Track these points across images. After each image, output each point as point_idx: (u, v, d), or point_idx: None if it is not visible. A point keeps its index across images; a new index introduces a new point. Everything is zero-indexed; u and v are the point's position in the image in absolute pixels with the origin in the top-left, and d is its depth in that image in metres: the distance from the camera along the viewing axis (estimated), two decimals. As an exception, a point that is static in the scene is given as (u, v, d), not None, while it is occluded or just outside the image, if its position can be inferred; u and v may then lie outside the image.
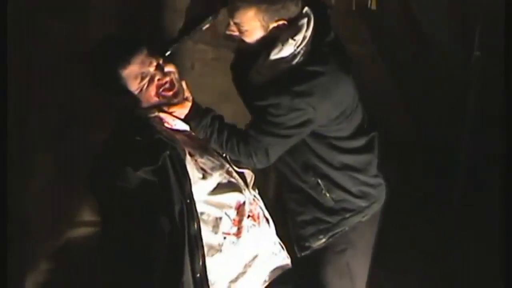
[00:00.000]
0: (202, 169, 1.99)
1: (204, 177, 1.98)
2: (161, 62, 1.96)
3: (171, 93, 1.97)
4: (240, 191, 2.05)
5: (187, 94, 2.02)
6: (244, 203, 2.05)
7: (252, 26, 1.95)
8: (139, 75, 1.93)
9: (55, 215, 2.50)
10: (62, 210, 2.52)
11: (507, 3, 2.33)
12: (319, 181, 2.14)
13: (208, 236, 1.95)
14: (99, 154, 1.98)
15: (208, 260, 1.94)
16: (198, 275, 1.88)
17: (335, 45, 2.04)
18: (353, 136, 2.13)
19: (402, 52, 3.57)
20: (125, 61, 1.91)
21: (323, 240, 2.20)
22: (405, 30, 3.41)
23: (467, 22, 3.19)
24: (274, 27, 1.96)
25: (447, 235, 3.41)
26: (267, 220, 2.16)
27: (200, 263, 1.89)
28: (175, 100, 1.98)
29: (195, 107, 2.02)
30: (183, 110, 2.00)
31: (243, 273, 2.04)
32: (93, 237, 2.51)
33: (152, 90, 1.95)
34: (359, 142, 2.15)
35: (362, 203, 2.20)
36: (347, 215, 2.19)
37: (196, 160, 1.99)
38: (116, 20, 2.39)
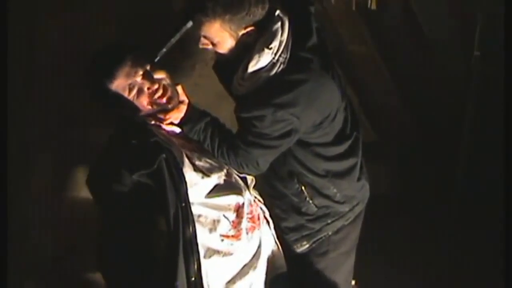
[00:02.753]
0: (200, 171, 1.98)
1: (202, 179, 1.97)
2: (148, 69, 1.93)
3: (164, 99, 1.95)
4: (240, 193, 2.04)
5: (182, 97, 2.00)
6: (243, 204, 2.04)
7: (221, 36, 1.93)
8: (127, 87, 1.91)
9: (55, 215, 2.50)
10: (62, 210, 2.52)
11: (507, 3, 2.33)
12: (303, 188, 2.13)
13: (205, 238, 1.95)
14: (96, 157, 1.98)
15: (205, 262, 1.93)
16: (193, 278, 1.88)
17: (318, 49, 2.00)
18: (336, 141, 2.11)
19: (402, 52, 3.57)
20: (110, 75, 1.90)
21: (307, 246, 2.21)
22: (405, 30, 3.41)
23: (467, 22, 3.19)
24: (244, 34, 1.93)
25: (447, 235, 3.41)
26: (268, 221, 2.16)
27: (195, 266, 1.88)
28: (170, 106, 1.96)
29: (190, 111, 2.01)
30: (179, 114, 1.99)
31: (242, 274, 2.04)
32: (93, 237, 2.51)
33: (144, 99, 1.93)
34: (342, 148, 2.13)
35: (345, 207, 2.20)
36: (330, 221, 2.19)
37: (194, 163, 1.98)
38: (116, 20, 2.38)
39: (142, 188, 1.86)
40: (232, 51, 1.96)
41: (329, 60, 2.05)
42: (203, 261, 1.93)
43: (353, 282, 2.46)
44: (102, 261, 2.01)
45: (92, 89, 1.97)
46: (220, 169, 2.03)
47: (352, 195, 2.21)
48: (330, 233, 2.21)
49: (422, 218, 3.49)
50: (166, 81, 1.96)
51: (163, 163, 1.87)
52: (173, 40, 2.00)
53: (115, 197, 1.87)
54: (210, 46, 1.97)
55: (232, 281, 2.03)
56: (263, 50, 1.91)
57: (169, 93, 1.95)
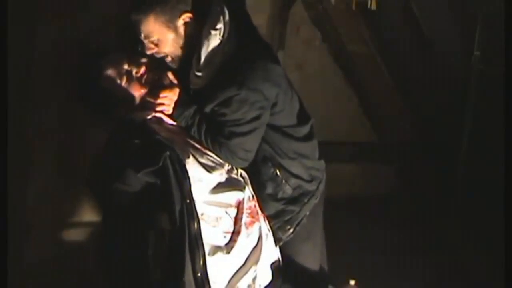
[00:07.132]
0: (204, 168, 1.99)
1: (207, 175, 1.99)
2: (132, 56, 2.00)
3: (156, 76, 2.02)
4: (240, 189, 2.06)
5: (175, 81, 2.04)
6: (243, 200, 2.06)
7: (160, 32, 1.96)
8: (117, 77, 1.99)
9: (55, 215, 2.50)
10: (62, 210, 2.52)
11: (507, 3, 2.33)
12: (277, 171, 2.17)
13: (209, 236, 1.96)
14: (98, 157, 1.99)
15: (210, 259, 1.94)
16: (199, 274, 1.89)
17: (255, 33, 2.12)
18: (299, 123, 2.20)
19: (402, 52, 3.58)
20: (98, 70, 1.98)
21: (291, 230, 2.24)
22: (405, 30, 3.42)
23: (467, 22, 3.19)
24: (184, 25, 1.97)
25: (447, 235, 3.42)
26: (265, 216, 2.17)
27: (201, 262, 1.90)
28: (163, 82, 2.01)
29: (182, 96, 2.04)
30: (173, 96, 2.02)
31: (244, 268, 2.05)
32: (93, 237, 2.51)
33: (136, 84, 2.00)
34: (305, 129, 2.22)
35: (312, 186, 2.26)
36: (306, 200, 2.24)
37: (197, 160, 1.99)
38: (116, 20, 2.38)
39: (146, 186, 1.87)
40: (181, 48, 2.00)
41: (269, 46, 2.20)
42: (207, 258, 1.94)
43: (353, 282, 2.45)
44: (103, 261, 2.01)
45: (85, 92, 2.03)
46: (222, 167, 2.05)
47: (316, 174, 2.27)
48: (308, 213, 2.26)
49: (422, 218, 3.49)
50: (150, 62, 2.02)
51: (168, 161, 1.88)
52: None
53: (118, 196, 1.88)
54: (156, 49, 2.00)
55: (235, 276, 2.04)
56: (210, 33, 1.95)
57: (158, 72, 2.02)
